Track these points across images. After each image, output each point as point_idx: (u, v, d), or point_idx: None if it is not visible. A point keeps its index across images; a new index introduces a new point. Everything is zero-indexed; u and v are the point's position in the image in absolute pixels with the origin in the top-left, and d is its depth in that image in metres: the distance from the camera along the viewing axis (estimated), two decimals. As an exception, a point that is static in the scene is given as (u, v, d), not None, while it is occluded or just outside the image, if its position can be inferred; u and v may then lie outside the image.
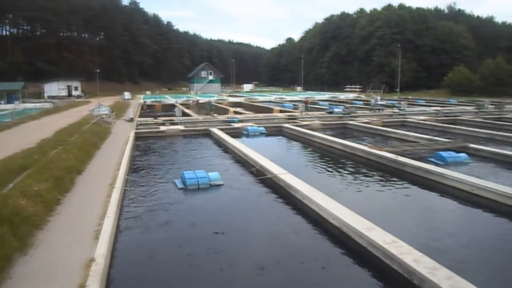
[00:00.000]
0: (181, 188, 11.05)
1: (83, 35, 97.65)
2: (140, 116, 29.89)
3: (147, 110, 41.00)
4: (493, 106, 36.02)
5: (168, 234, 8.06)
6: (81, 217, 7.76)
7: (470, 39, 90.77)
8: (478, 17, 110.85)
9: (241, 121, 24.64)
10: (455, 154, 14.21)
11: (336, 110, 29.00)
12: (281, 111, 31.74)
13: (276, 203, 10.09)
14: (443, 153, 14.13)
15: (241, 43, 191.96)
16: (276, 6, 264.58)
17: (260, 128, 22.01)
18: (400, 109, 30.80)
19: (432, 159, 14.07)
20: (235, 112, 31.19)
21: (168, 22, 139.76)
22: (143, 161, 15.21)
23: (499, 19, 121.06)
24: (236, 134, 20.75)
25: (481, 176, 11.69)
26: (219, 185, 11.31)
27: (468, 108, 35.81)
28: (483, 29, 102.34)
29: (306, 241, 7.76)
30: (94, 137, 17.32)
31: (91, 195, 9.19)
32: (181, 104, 41.35)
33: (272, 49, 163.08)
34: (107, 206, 8.32)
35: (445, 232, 8.33)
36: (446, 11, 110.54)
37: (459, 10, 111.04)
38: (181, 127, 22.09)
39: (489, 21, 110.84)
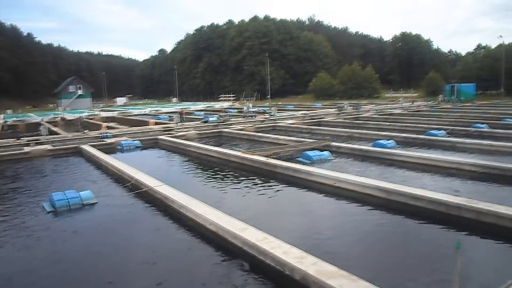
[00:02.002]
0: (50, 211, 10.34)
1: None
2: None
3: (8, 131, 37.12)
4: (351, 107, 40.00)
5: (32, 259, 7.54)
6: None
7: (329, 48, 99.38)
8: (335, 27, 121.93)
9: (114, 136, 23.74)
10: (319, 153, 15.56)
11: (211, 119, 29.58)
12: (156, 123, 31.30)
13: (153, 215, 10.01)
14: (309, 153, 15.37)
15: (111, 55, 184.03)
16: (146, 17, 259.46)
17: (135, 141, 21.49)
18: (271, 115, 32.54)
19: (300, 159, 15.21)
20: (108, 127, 29.97)
21: (28, 34, 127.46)
22: (4, 188, 13.83)
23: (352, 29, 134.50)
24: (109, 150, 19.95)
25: (342, 170, 13.05)
26: (92, 204, 10.83)
27: (330, 110, 39.27)
28: (340, 39, 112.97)
29: (185, 247, 7.87)
30: None
31: None
32: (48, 122, 38.30)
33: (145, 60, 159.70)
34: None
35: (315, 221, 9.12)
36: (307, 22, 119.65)
37: (318, 21, 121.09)
38: (48, 147, 20.53)
39: (344, 31, 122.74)
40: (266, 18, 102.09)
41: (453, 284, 4.38)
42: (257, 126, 27.34)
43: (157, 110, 53.65)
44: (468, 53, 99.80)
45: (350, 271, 5.63)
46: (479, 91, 61.81)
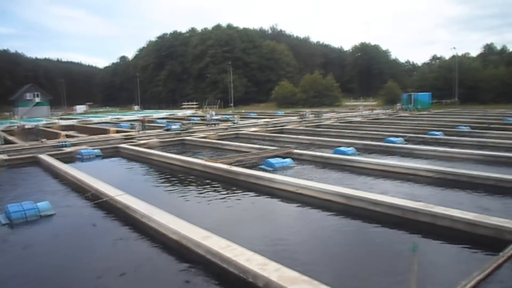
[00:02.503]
0: (5, 224, 9.93)
1: None
2: None
3: (-43, 143, 35.31)
4: (313, 115, 40.64)
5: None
6: None
7: (291, 57, 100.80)
8: (297, 37, 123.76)
9: (74, 144, 23.09)
10: (281, 160, 15.73)
11: (173, 127, 29.31)
12: (117, 132, 30.71)
13: (114, 225, 9.80)
14: (272, 160, 15.50)
15: (71, 62, 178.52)
16: (108, 23, 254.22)
17: (95, 150, 20.97)
18: (234, 123, 32.63)
19: (262, 166, 15.31)
20: (67, 136, 29.13)
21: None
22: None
23: (313, 39, 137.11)
24: (69, 159, 19.38)
25: (304, 176, 13.25)
26: (50, 215, 10.48)
27: (292, 118, 39.78)
28: (302, 48, 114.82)
29: (147, 258, 7.74)
30: None
31: None
32: (3, 131, 36.82)
33: (106, 67, 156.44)
34: None
35: (277, 228, 9.20)
36: (269, 31, 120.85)
37: (281, 30, 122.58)
38: (4, 157, 19.70)
39: (306, 40, 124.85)
40: (229, 26, 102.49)
41: (410, 285, 4.54)
42: (220, 134, 27.31)
43: (118, 118, 52.62)
44: (424, 64, 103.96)
45: (312, 276, 5.72)
46: (435, 100, 64.17)
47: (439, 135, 23.32)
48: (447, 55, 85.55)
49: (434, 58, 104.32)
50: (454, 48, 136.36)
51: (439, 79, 73.73)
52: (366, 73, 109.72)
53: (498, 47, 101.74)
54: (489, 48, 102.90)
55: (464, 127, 27.58)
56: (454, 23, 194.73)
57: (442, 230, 8.37)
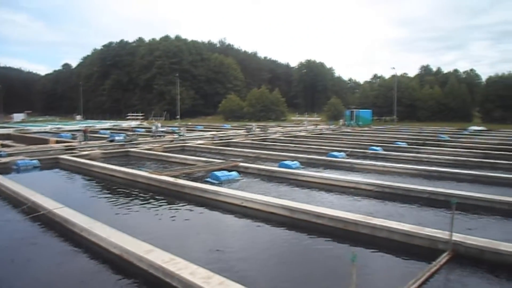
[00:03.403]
0: None
1: None
2: None
3: None
4: (259, 129, 41.13)
5: None
6: None
7: (239, 71, 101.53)
8: (245, 51, 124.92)
9: (10, 154, 21.84)
10: (227, 173, 15.78)
11: (117, 138, 28.56)
12: (57, 142, 29.41)
13: (52, 240, 9.36)
14: (217, 173, 15.51)
15: (9, 68, 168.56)
16: (51, 29, 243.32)
17: (33, 161, 19.98)
18: (180, 135, 32.31)
19: (208, 179, 15.28)
20: (3, 145, 27.54)
21: None
22: None
23: (261, 54, 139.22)
24: (4, 170, 18.29)
25: (249, 189, 13.36)
26: (-20, 229, 9.88)
27: (239, 131, 40.00)
28: (249, 62, 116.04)
29: (87, 273, 7.47)
30: None
31: None
32: None
33: (47, 75, 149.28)
34: None
35: (222, 241, 9.19)
36: (218, 45, 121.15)
37: (229, 44, 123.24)
38: None
39: (254, 55, 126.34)
40: (177, 38, 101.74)
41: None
42: (165, 146, 26.94)
43: (59, 128, 50.45)
44: (366, 82, 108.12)
45: (255, 288, 5.79)
46: (375, 117, 67.09)
47: (379, 150, 24.36)
48: (387, 75, 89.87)
49: (375, 77, 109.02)
50: (394, 68, 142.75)
51: (380, 97, 77.30)
52: (311, 89, 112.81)
53: (434, 69, 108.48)
54: (425, 69, 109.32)
55: (402, 143, 29.00)
56: (395, 44, 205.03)
57: (381, 241, 8.75)
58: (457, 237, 7.83)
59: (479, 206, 11.48)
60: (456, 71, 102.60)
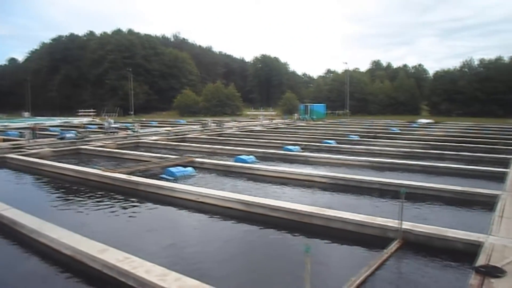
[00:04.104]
0: None
1: None
2: None
3: None
4: (215, 124, 40.99)
5: None
6: None
7: (194, 65, 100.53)
8: (199, 46, 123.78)
9: (-52, 155, 20.67)
10: (183, 169, 15.65)
11: (68, 135, 27.57)
12: (4, 140, 28.03)
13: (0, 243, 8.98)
14: (173, 169, 15.35)
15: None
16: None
17: (-24, 161, 19.01)
18: (134, 131, 31.65)
19: (163, 175, 15.08)
20: None
21: None
22: None
23: (216, 48, 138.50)
24: None
25: (205, 185, 13.33)
26: None
27: (195, 127, 39.72)
28: (204, 57, 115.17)
29: (38, 276, 7.22)
30: None
31: None
32: None
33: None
34: None
35: (178, 237, 9.11)
36: (172, 39, 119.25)
37: (183, 39, 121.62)
38: None
39: (209, 50, 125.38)
40: (130, 32, 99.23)
41: (305, 283, 4.83)
42: (119, 142, 26.33)
43: (5, 126, 47.98)
44: (320, 77, 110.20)
45: (212, 284, 5.80)
46: (329, 111, 68.49)
47: (333, 143, 24.93)
48: (340, 70, 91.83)
49: (329, 71, 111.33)
50: (346, 63, 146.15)
51: (333, 92, 79.05)
52: (266, 83, 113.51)
53: (384, 64, 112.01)
54: (376, 64, 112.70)
55: (354, 136, 29.81)
56: (348, 39, 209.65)
57: (335, 232, 8.99)
58: (406, 225, 8.16)
59: (427, 195, 12.04)
60: (405, 66, 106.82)
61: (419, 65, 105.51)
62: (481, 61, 71.04)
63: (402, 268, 7.31)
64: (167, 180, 14.25)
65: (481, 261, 6.39)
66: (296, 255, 7.81)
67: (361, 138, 29.34)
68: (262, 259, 7.94)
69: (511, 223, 8.32)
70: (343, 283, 6.20)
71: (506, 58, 70.75)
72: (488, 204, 10.58)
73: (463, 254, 7.33)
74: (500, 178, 13.64)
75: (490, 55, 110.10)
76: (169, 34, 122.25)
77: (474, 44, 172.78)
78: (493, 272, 5.90)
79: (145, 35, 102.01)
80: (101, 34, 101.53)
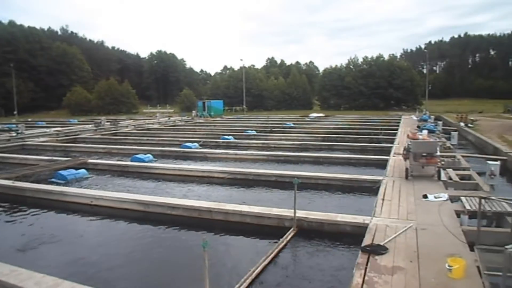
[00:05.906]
0: None
1: None
2: None
3: None
4: (109, 123, 39.19)
5: None
6: None
7: (85, 61, 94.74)
8: (90, 40, 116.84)
9: None
10: (75, 171, 14.79)
11: None
12: None
13: None
14: (63, 172, 14.43)
15: None
16: None
17: None
18: (18, 133, 29.03)
19: (53, 179, 14.13)
20: None
21: None
22: None
23: (109, 43, 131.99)
24: None
25: (100, 187, 12.76)
26: None
27: (87, 126, 37.66)
28: (96, 52, 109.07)
29: None
30: None
31: None
32: None
33: None
34: None
35: (72, 245, 8.62)
36: (59, 32, 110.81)
37: (72, 32, 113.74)
38: None
39: (101, 45, 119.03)
40: (11, 23, 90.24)
41: (204, 278, 4.92)
42: (1, 146, 23.98)
43: None
44: (217, 73, 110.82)
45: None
46: (227, 107, 69.25)
47: (231, 139, 25.32)
48: (236, 66, 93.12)
49: (226, 68, 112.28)
50: (242, 60, 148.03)
51: (230, 88, 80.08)
52: (163, 80, 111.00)
53: (278, 61, 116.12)
54: (271, 61, 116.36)
55: (251, 131, 30.60)
56: (244, 37, 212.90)
57: (234, 225, 9.22)
58: (300, 213, 8.65)
59: (319, 184, 12.86)
60: (297, 63, 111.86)
61: (310, 62, 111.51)
62: (364, 59, 77.08)
63: (298, 254, 7.75)
64: (57, 184, 13.37)
65: (367, 241, 7.01)
66: (195, 251, 7.88)
67: (258, 133, 30.22)
68: (161, 260, 7.84)
69: (391, 205, 9.22)
70: (242, 275, 6.41)
71: (386, 56, 77.77)
72: (372, 189, 11.59)
73: (352, 236, 7.98)
74: (383, 166, 14.98)
75: (373, 53, 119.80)
76: (56, 27, 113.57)
77: (358, 43, 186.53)
78: (377, 250, 6.52)
79: (29, 27, 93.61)
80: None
